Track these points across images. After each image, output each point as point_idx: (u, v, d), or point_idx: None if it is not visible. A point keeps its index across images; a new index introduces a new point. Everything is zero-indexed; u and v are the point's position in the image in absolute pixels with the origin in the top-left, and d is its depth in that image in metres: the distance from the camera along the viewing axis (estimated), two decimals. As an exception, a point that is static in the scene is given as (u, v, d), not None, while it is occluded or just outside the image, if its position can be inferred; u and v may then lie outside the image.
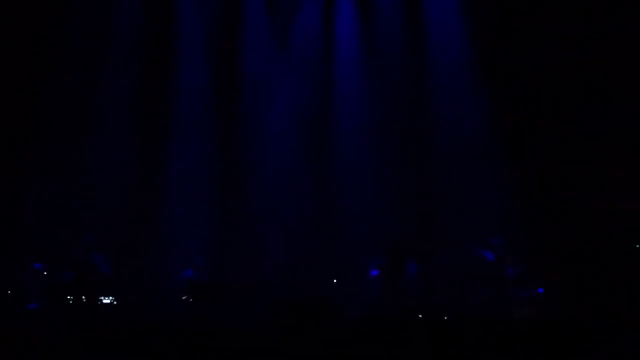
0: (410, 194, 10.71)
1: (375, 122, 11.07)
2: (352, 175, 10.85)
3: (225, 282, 9.59)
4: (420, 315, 8.53)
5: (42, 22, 10.54)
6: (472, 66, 10.90)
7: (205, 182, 10.74)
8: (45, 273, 9.42)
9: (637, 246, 9.21)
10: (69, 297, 8.96)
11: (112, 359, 5.32)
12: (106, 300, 9.07)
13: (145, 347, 5.52)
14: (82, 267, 9.28)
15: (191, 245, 10.01)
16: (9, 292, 9.04)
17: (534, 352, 5.88)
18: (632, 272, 8.79)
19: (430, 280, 9.45)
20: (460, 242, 9.80)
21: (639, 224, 9.34)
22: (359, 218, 10.43)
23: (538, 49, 10.36)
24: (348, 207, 10.62)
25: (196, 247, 9.98)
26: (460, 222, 10.25)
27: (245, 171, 10.97)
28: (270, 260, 10.36)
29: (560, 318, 7.46)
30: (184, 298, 9.36)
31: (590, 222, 9.63)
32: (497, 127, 10.52)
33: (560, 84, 10.32)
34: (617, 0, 10.01)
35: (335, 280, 9.95)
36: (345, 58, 11.42)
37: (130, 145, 10.70)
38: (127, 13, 11.12)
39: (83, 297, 9.00)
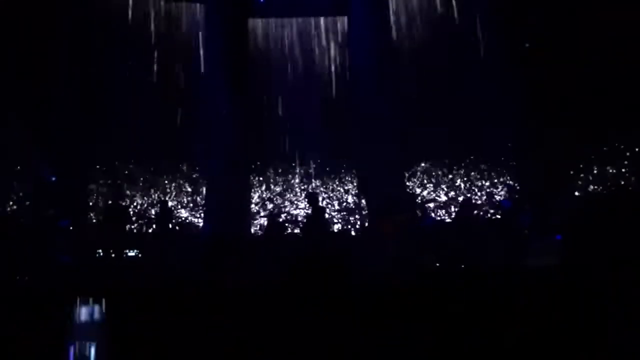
0: None
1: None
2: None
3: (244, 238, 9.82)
4: (437, 264, 8.67)
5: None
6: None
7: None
8: (71, 228, 9.73)
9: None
10: (97, 252, 9.26)
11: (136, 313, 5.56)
12: (131, 253, 9.34)
13: (165, 303, 5.76)
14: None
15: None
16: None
17: (548, 300, 5.99)
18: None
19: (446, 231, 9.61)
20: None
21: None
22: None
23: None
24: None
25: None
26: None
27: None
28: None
29: (575, 265, 7.53)
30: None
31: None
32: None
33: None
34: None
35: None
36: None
37: None
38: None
39: (111, 251, 9.25)
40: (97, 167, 11.51)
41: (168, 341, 4.19)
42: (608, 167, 9.91)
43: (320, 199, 11.23)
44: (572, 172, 10.08)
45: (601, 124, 9.78)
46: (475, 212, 10.74)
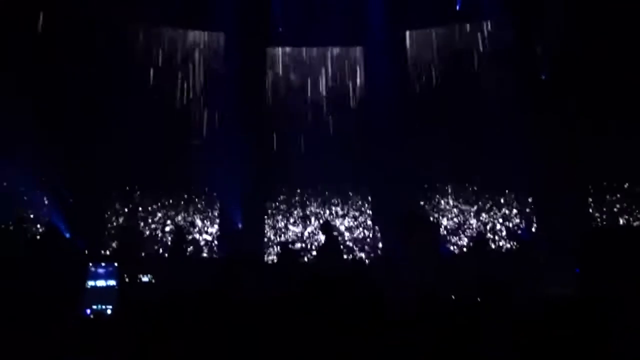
0: None
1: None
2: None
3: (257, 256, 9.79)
4: (453, 297, 8.54)
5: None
6: None
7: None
8: (86, 252, 9.75)
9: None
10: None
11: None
12: (145, 279, 9.29)
13: (179, 319, 5.71)
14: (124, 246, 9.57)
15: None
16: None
17: (565, 331, 5.86)
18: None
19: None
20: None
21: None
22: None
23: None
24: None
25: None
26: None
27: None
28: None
29: (593, 297, 7.39)
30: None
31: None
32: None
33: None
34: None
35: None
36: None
37: None
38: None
39: (125, 276, 9.22)
40: (112, 192, 11.58)
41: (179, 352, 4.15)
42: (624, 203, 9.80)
43: (334, 228, 11.19)
44: (590, 200, 9.98)
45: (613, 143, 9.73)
46: (491, 243, 10.64)
